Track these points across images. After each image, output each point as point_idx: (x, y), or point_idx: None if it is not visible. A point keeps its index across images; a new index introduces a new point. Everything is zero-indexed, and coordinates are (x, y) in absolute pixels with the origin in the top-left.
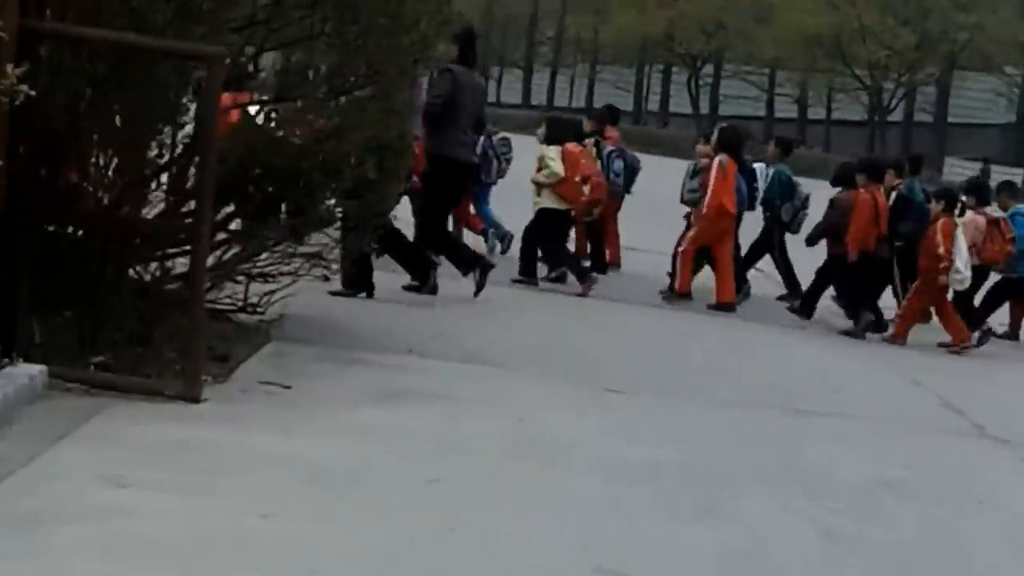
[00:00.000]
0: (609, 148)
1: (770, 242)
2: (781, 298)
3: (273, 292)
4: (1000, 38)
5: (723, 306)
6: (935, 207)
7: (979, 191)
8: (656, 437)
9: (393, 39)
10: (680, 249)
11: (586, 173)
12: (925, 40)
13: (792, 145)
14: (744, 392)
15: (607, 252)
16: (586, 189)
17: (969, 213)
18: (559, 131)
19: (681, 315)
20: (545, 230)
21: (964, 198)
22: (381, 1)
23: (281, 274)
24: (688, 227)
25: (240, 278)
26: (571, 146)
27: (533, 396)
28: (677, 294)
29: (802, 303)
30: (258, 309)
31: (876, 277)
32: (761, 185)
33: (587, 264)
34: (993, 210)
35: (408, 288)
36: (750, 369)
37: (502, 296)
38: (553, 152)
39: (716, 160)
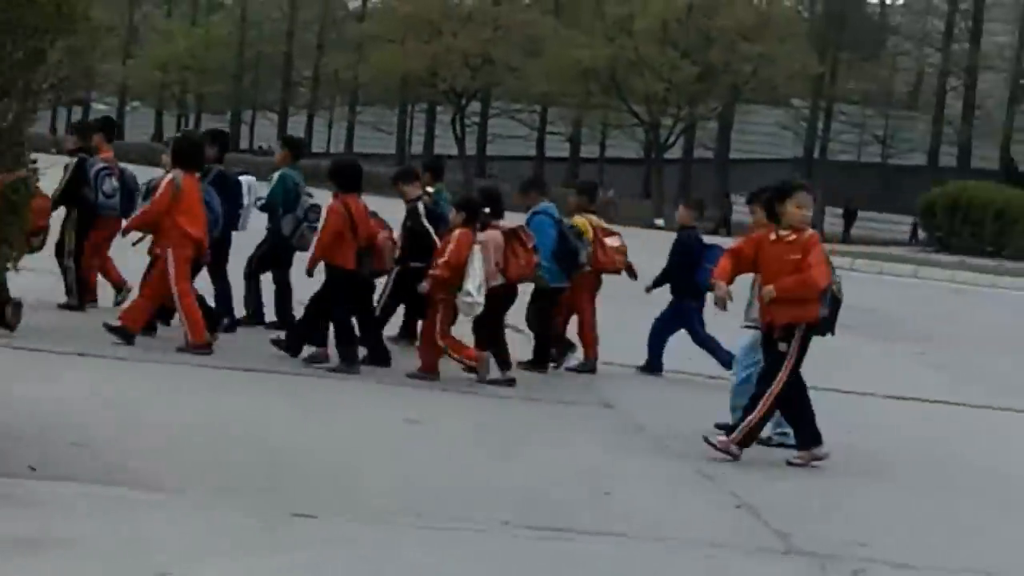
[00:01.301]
0: (99, 165)
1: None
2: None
3: None
4: (788, 69)
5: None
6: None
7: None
8: None
9: None
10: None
11: None
12: (707, 72)
13: (301, 145)
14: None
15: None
16: None
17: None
18: None
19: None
20: None
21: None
22: None
23: None
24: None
25: None
26: None
27: (188, 534)
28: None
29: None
30: None
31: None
32: (248, 200)
33: None
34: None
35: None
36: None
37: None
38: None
39: (168, 176)
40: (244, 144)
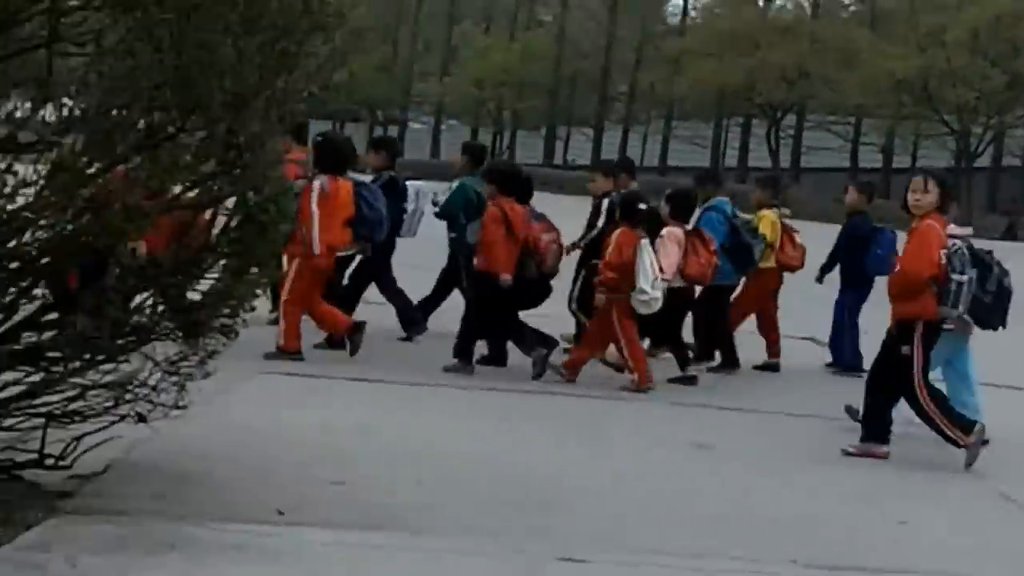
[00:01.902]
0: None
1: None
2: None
3: (81, 437)
4: None
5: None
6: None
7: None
8: None
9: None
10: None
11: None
12: (1016, 80)
13: (484, 152)
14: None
15: None
16: None
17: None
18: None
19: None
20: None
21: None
22: None
23: (73, 413)
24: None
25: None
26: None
27: None
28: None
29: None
30: (60, 463)
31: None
32: (413, 205)
33: None
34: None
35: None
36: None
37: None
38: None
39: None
40: (558, 159)
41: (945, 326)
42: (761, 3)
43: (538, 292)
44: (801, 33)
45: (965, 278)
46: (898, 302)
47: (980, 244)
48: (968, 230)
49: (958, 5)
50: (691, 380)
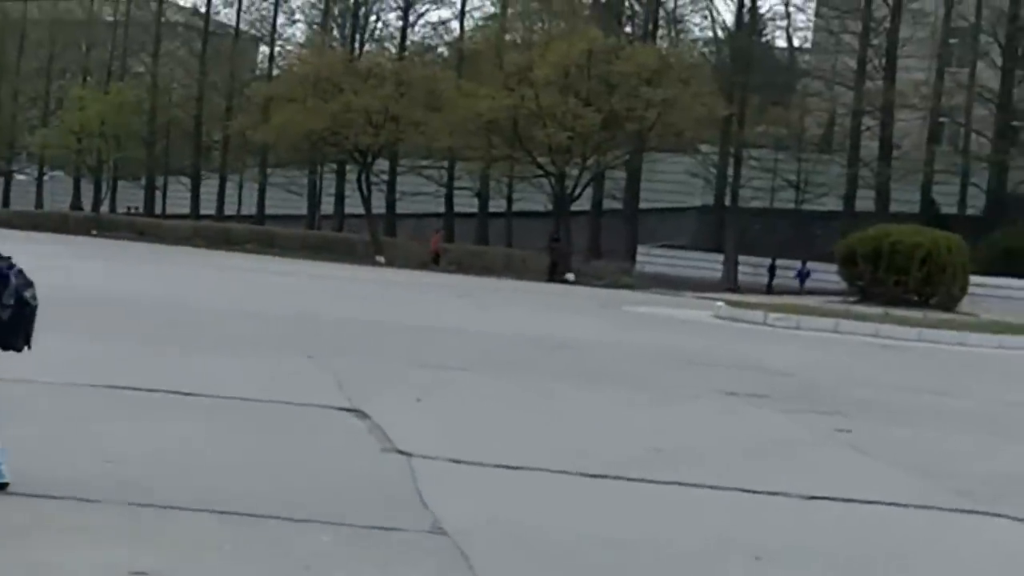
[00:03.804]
0: None
1: None
2: None
3: None
4: (693, 113)
5: None
6: None
7: None
8: None
9: None
10: None
11: None
12: (611, 119)
13: None
14: None
15: None
16: None
17: None
18: None
19: None
20: None
21: None
22: None
23: None
24: None
25: None
26: None
27: None
28: None
29: None
30: None
31: None
32: None
33: None
34: None
35: None
36: None
37: None
38: None
39: None
40: (158, 209)
41: None
42: (339, 47)
43: None
44: (385, 76)
45: None
46: None
47: None
48: None
49: (545, 42)
50: None
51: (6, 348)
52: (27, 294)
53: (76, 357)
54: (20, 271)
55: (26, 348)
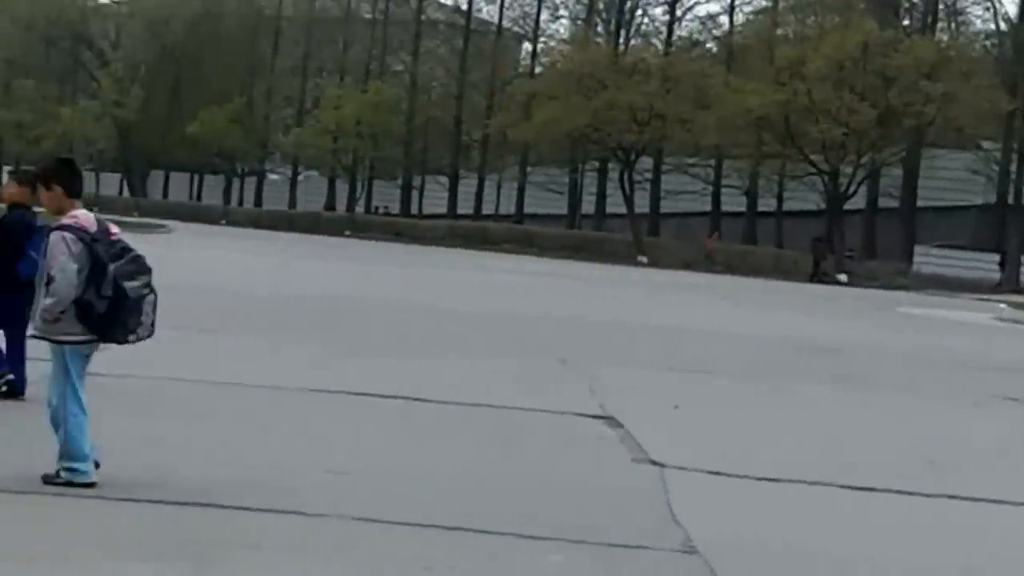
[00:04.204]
0: None
1: None
2: None
3: None
4: (975, 108)
5: None
6: None
7: None
8: None
9: None
10: None
11: None
12: (888, 115)
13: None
14: None
15: None
16: None
17: None
18: None
19: None
20: None
21: None
22: None
23: None
24: None
25: None
26: None
27: None
28: None
29: None
30: None
31: None
32: None
33: None
34: None
35: None
36: None
37: None
38: None
39: None
40: (414, 209)
41: None
42: (603, 43)
43: None
44: (650, 72)
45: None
46: None
47: None
48: None
49: (819, 35)
50: None
51: (107, 341)
52: (130, 284)
53: (316, 360)
54: (135, 257)
55: (133, 339)
